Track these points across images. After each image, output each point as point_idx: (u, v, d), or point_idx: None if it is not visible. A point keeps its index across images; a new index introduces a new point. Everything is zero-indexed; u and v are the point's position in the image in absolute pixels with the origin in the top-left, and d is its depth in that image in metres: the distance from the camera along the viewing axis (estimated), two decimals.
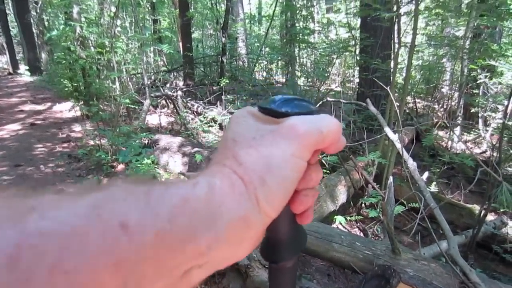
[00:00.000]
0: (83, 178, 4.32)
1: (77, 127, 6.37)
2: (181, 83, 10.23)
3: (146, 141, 4.86)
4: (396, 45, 4.30)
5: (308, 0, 10.60)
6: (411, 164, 2.80)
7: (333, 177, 3.94)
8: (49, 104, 8.14)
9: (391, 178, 2.72)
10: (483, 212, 3.52)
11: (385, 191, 3.65)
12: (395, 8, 4.38)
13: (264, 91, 9.00)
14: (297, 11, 9.26)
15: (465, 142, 7.81)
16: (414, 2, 3.68)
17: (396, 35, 4.05)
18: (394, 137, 2.97)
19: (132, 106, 5.95)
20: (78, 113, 6.71)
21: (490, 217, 3.94)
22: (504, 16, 4.91)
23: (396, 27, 4.06)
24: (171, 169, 4.67)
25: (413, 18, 3.80)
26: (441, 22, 8.27)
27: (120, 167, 4.58)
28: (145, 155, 4.27)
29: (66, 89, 7.12)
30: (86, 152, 4.77)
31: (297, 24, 9.33)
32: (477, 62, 5.11)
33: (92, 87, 6.16)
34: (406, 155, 2.79)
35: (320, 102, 4.76)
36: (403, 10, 4.71)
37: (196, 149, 4.33)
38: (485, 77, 6.36)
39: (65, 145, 5.54)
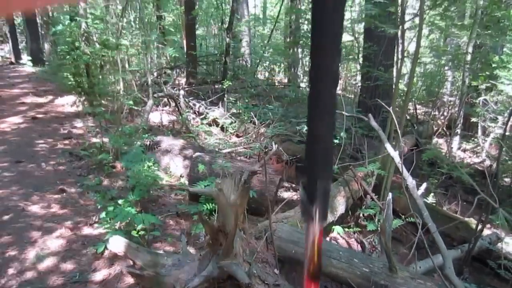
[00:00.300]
0: (84, 178, 4.35)
1: (78, 123, 6.38)
2: (183, 81, 10.23)
3: (148, 143, 4.88)
4: (400, 56, 4.33)
5: None
6: (410, 182, 2.84)
7: (333, 188, 3.98)
8: (50, 97, 8.13)
9: (390, 194, 2.76)
10: (479, 226, 3.56)
11: (383, 201, 3.69)
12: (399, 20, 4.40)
13: (266, 92, 9.01)
14: (302, 14, 9.26)
15: (464, 151, 7.88)
16: (418, 17, 3.71)
17: (400, 51, 4.07)
18: (395, 155, 3.01)
19: (136, 108, 5.97)
20: (80, 108, 6.72)
21: (486, 230, 3.99)
22: (505, 31, 4.94)
23: (399, 40, 4.08)
24: (172, 171, 4.71)
25: (417, 29, 3.82)
26: (444, 33, 8.28)
27: (121, 167, 4.61)
28: (146, 158, 4.30)
29: (70, 83, 7.12)
30: (88, 154, 4.79)
31: (301, 27, 9.33)
32: (479, 76, 5.14)
33: (96, 88, 6.16)
34: (405, 173, 2.83)
35: None
36: (406, 25, 4.72)
37: (197, 153, 4.36)
38: (486, 88, 6.40)
39: (67, 142, 5.54)
